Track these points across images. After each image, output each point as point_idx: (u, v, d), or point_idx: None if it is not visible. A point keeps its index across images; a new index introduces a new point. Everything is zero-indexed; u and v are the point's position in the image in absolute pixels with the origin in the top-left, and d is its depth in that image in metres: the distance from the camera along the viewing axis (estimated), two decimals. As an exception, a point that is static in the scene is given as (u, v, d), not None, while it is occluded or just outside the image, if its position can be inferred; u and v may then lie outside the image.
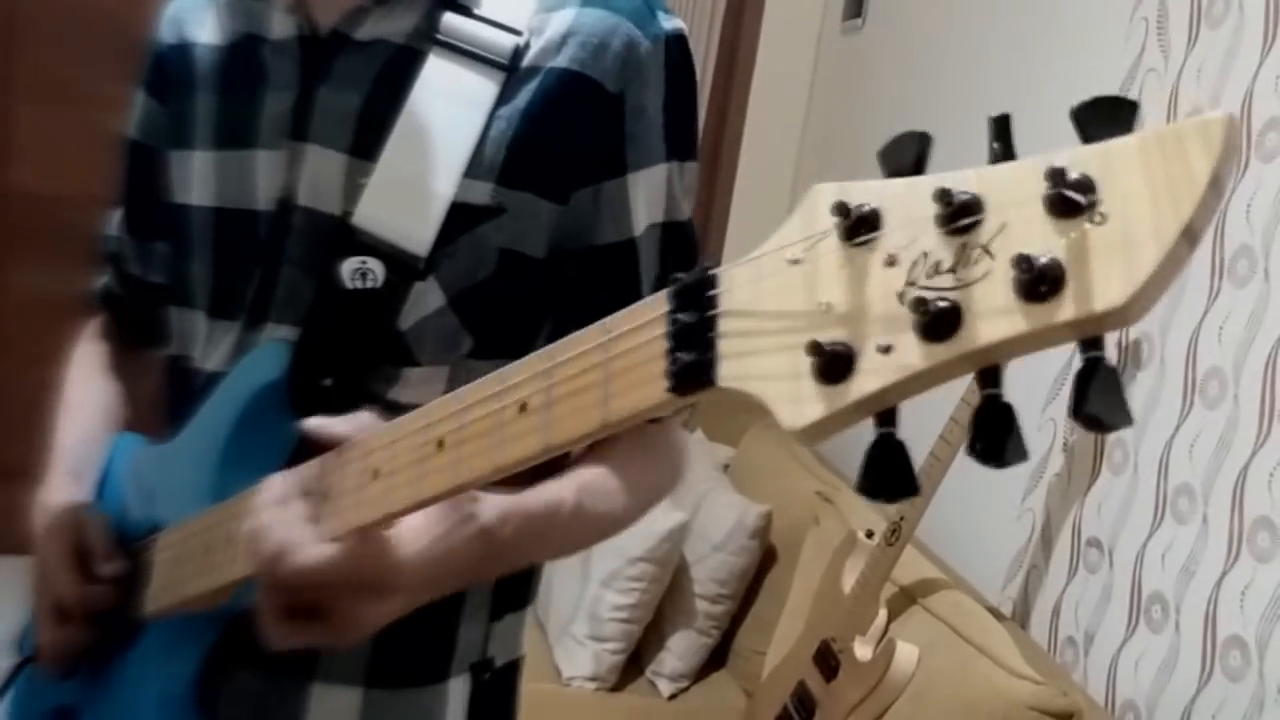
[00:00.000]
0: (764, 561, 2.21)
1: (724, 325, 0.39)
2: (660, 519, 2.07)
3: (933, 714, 1.57)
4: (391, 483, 0.58)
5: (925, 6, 2.52)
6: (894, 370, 0.32)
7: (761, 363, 0.37)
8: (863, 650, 1.70)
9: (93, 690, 0.86)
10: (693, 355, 0.40)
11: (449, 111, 0.76)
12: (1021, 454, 0.32)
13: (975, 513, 1.97)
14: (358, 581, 0.62)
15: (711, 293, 0.40)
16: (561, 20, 0.77)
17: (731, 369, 0.39)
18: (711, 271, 0.40)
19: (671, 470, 0.86)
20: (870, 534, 1.79)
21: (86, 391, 0.98)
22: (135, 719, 0.81)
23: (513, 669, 0.89)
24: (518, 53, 0.77)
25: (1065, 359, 1.79)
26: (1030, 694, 1.48)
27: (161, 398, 0.89)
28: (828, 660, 1.76)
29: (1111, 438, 1.67)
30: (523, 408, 0.49)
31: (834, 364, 0.34)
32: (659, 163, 0.79)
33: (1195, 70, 1.60)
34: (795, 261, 0.36)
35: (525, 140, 0.76)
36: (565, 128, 0.76)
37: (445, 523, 0.66)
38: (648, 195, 0.79)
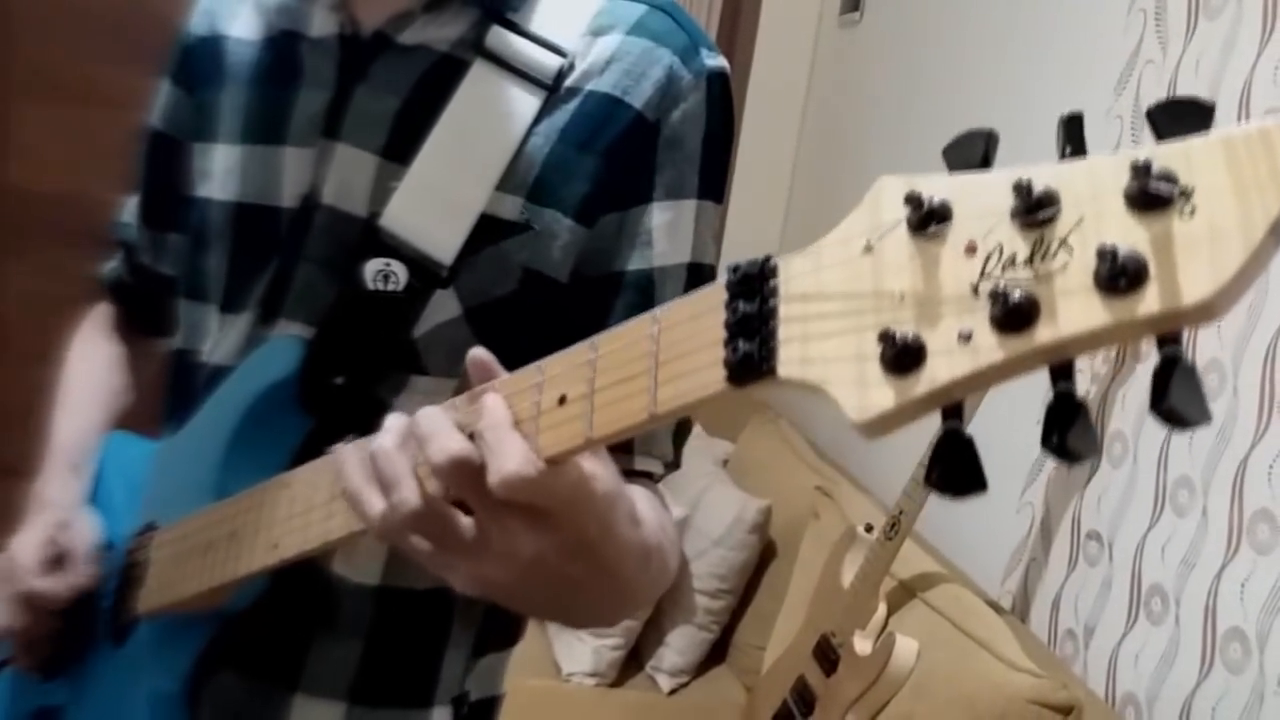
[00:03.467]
0: (763, 556, 2.22)
1: (785, 312, 0.39)
2: (659, 514, 2.07)
3: (932, 708, 1.58)
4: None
5: None
6: (967, 362, 0.32)
7: (825, 351, 0.37)
8: (862, 644, 1.71)
9: (78, 691, 0.85)
10: (752, 343, 0.39)
11: (487, 124, 0.75)
12: (1092, 447, 0.32)
13: (974, 506, 1.98)
14: (562, 507, 0.52)
15: (772, 281, 0.40)
16: (606, 45, 0.77)
17: (793, 357, 0.38)
18: (772, 260, 0.40)
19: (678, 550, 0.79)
20: (869, 528, 1.80)
21: (87, 384, 0.97)
22: (125, 718, 0.80)
23: (489, 706, 0.88)
24: (560, 74, 0.76)
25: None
26: (1030, 687, 1.49)
27: (164, 391, 0.88)
28: (827, 655, 1.76)
29: (1111, 430, 1.68)
30: (562, 399, 0.49)
31: (904, 354, 0.34)
32: (689, 198, 0.78)
33: (1194, 61, 1.61)
34: (863, 251, 0.36)
35: (559, 160, 0.76)
36: (599, 151, 0.76)
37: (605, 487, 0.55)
38: (673, 229, 0.78)
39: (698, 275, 0.80)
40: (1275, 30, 1.47)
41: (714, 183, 0.80)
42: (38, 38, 2.77)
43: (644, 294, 0.78)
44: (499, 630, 0.86)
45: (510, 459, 0.49)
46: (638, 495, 0.70)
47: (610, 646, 2.13)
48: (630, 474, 0.76)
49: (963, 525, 2.00)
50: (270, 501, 0.69)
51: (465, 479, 0.51)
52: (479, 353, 0.56)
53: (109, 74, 2.63)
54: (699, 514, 2.19)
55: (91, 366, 0.98)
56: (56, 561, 0.82)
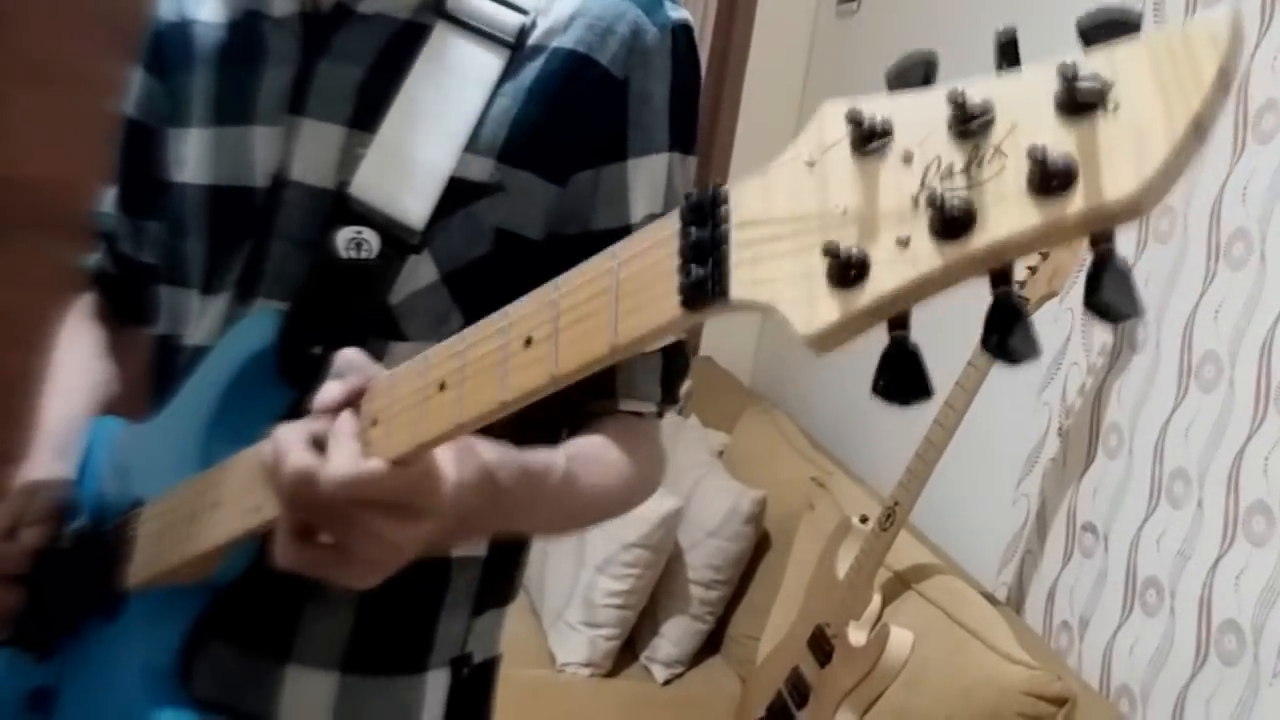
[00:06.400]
0: (758, 547, 2.22)
1: (736, 236, 0.40)
2: (654, 505, 2.07)
3: (927, 699, 1.58)
4: (389, 428, 0.58)
5: (921, -9, 2.53)
6: (908, 271, 0.33)
7: (774, 270, 0.38)
8: (857, 635, 1.71)
9: (72, 669, 0.85)
10: (705, 268, 0.40)
11: (451, 86, 0.76)
12: (1032, 347, 0.33)
13: (970, 498, 1.97)
14: (395, 500, 0.58)
15: (723, 207, 0.40)
16: (569, 1, 0.78)
17: (744, 278, 0.39)
18: (722, 187, 0.41)
19: (657, 465, 0.86)
20: (864, 519, 1.80)
21: (73, 371, 0.97)
22: (119, 694, 0.80)
23: (490, 667, 0.89)
24: (523, 31, 0.77)
25: (1060, 344, 1.80)
26: (1024, 679, 1.49)
27: (149, 377, 0.89)
28: (822, 645, 1.76)
29: (1106, 422, 1.68)
30: (528, 341, 0.49)
31: (848, 267, 0.34)
32: (661, 152, 0.80)
33: (1193, 55, 1.61)
34: (808, 169, 0.37)
35: (528, 119, 0.76)
36: (568, 109, 0.77)
37: (458, 453, 0.63)
38: (647, 183, 0.79)
39: None
40: (1274, 20, 1.47)
41: (684, 135, 0.81)
42: (28, 25, 2.77)
43: None
44: (497, 586, 0.88)
45: (338, 463, 0.57)
46: (575, 448, 0.77)
47: (605, 637, 2.13)
48: (618, 414, 0.80)
49: (958, 516, 2.00)
50: (251, 466, 0.70)
51: (305, 488, 0.58)
52: (349, 357, 0.63)
53: (101, 62, 2.63)
54: (694, 505, 2.19)
55: (78, 354, 0.99)
56: (11, 527, 0.83)
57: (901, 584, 1.76)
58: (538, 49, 0.77)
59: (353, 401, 0.61)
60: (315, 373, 0.73)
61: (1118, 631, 1.60)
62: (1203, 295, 1.52)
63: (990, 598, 1.75)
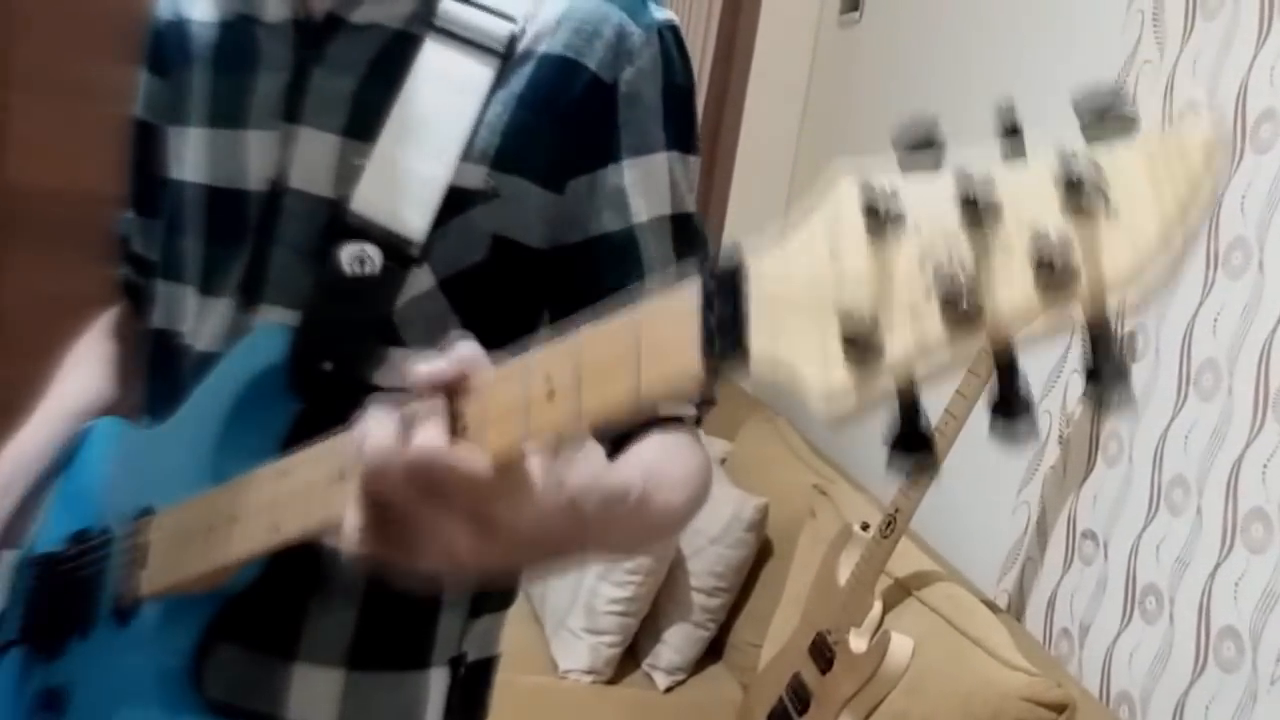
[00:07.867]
0: (760, 554, 2.23)
1: (755, 310, 0.41)
2: (656, 512, 2.07)
3: (927, 706, 1.58)
4: (482, 428, 0.56)
5: None
6: (919, 354, 0.34)
7: (792, 348, 0.39)
8: (858, 642, 1.71)
9: (84, 670, 0.85)
10: (726, 339, 0.41)
11: (445, 96, 0.77)
12: (1032, 434, 0.34)
13: (971, 505, 1.98)
14: (473, 505, 0.53)
15: (742, 278, 0.42)
16: (555, 6, 0.78)
17: (764, 354, 0.41)
18: (742, 256, 0.42)
19: (710, 475, 0.82)
20: (865, 526, 1.80)
21: (62, 398, 0.97)
22: (132, 696, 0.81)
23: (486, 667, 0.90)
24: (513, 40, 0.78)
25: (1060, 353, 1.80)
26: (1024, 685, 1.49)
27: (145, 372, 0.89)
28: (823, 652, 1.77)
29: (1106, 429, 1.69)
30: (551, 393, 0.50)
31: (863, 349, 0.36)
32: (658, 151, 0.80)
33: (1191, 62, 1.61)
34: (824, 248, 0.38)
35: (519, 125, 0.77)
36: (558, 113, 0.77)
37: (544, 480, 0.56)
38: (647, 184, 0.79)
39: (683, 225, 0.81)
40: (1272, 31, 1.47)
41: (682, 134, 0.81)
42: (35, 32, 2.77)
43: (628, 253, 0.79)
44: (496, 592, 0.88)
45: (423, 437, 0.52)
46: (645, 454, 0.73)
47: (607, 644, 2.14)
48: (660, 420, 0.78)
49: (959, 524, 2.01)
50: (270, 485, 0.71)
51: (385, 461, 0.53)
52: (465, 347, 0.56)
53: (107, 69, 2.63)
54: (696, 512, 2.20)
55: (75, 378, 0.99)
56: None
57: (902, 591, 1.77)
58: (526, 55, 0.78)
59: (451, 385, 0.55)
60: (324, 387, 0.74)
61: (1117, 638, 1.61)
62: (1201, 303, 1.52)
63: (991, 605, 1.76)
